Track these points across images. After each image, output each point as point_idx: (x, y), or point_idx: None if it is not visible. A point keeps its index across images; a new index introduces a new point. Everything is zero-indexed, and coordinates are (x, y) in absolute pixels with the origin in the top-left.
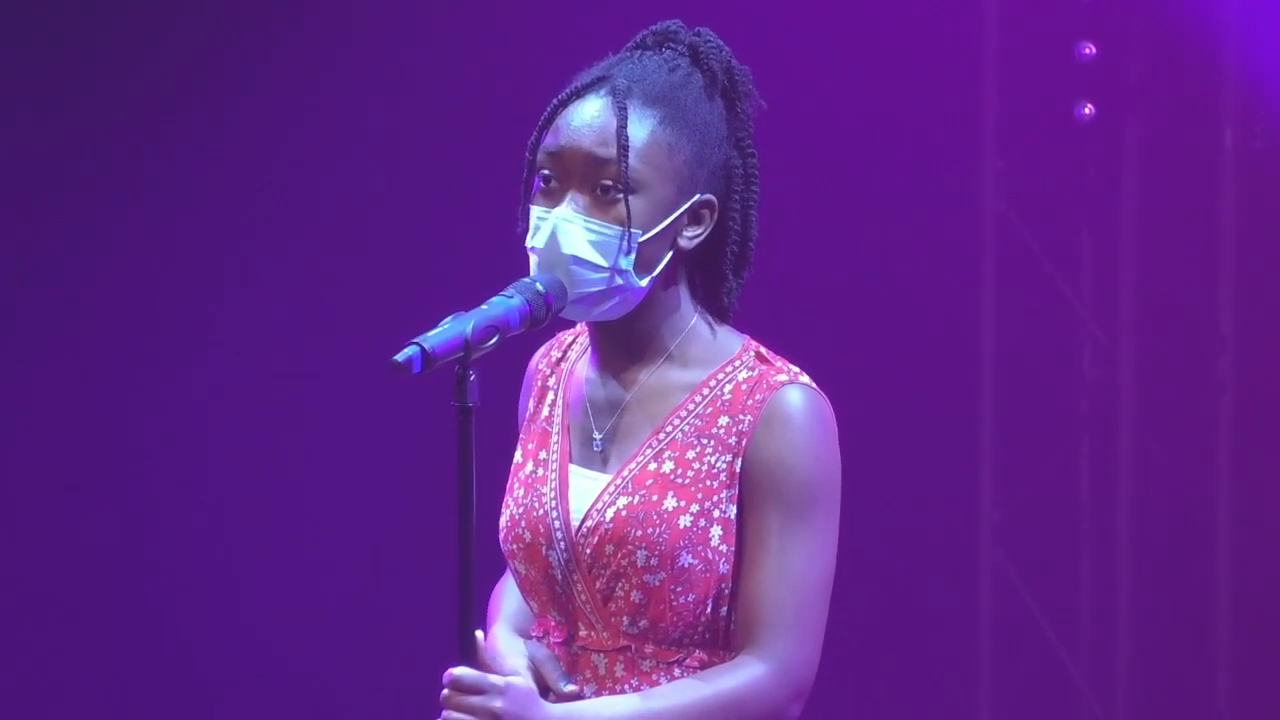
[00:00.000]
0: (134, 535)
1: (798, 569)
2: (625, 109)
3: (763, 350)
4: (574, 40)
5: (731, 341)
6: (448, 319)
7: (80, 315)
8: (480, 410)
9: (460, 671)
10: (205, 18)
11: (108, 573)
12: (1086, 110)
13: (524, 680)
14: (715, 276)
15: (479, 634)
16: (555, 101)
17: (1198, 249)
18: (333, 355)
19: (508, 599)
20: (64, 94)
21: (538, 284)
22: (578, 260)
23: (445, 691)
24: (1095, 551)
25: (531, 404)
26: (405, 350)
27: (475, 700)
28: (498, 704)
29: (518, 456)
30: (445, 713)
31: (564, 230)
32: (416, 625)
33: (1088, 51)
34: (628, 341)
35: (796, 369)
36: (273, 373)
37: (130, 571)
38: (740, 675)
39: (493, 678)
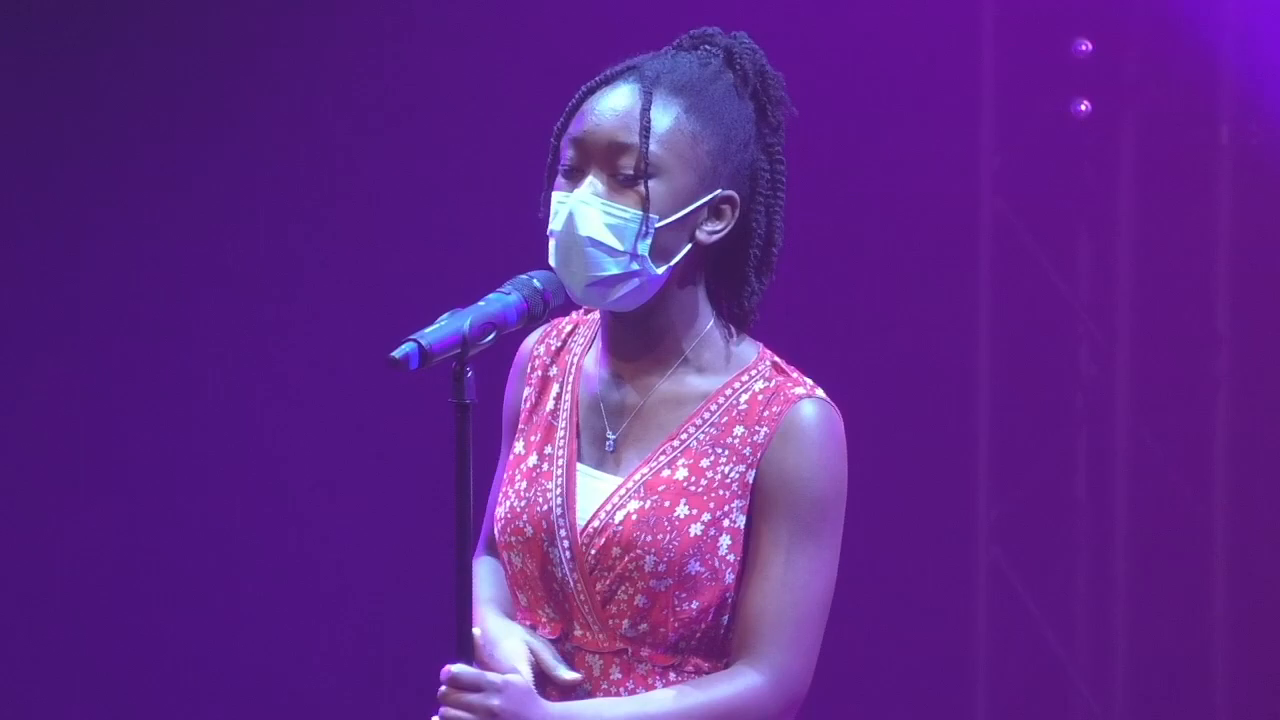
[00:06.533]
0: (131, 534)
1: (801, 582)
2: (650, 94)
3: (778, 360)
4: (575, 40)
5: (747, 350)
6: (445, 315)
7: (79, 315)
8: (478, 407)
9: (458, 669)
10: (204, 17)
11: (105, 573)
12: (1083, 107)
13: (522, 678)
14: (737, 278)
15: (476, 631)
16: (583, 89)
17: (1194, 245)
18: (330, 352)
19: (484, 583)
20: (63, 94)
21: (535, 281)
22: (594, 243)
23: (442, 689)
24: (1092, 549)
25: (530, 393)
26: (402, 346)
27: (473, 698)
28: (495, 702)
29: (519, 447)
30: (442, 710)
31: (581, 213)
32: (414, 622)
33: (1084, 48)
34: (641, 338)
35: (811, 382)
36: (270, 370)
37: (126, 571)
38: (737, 684)
39: (491, 675)
